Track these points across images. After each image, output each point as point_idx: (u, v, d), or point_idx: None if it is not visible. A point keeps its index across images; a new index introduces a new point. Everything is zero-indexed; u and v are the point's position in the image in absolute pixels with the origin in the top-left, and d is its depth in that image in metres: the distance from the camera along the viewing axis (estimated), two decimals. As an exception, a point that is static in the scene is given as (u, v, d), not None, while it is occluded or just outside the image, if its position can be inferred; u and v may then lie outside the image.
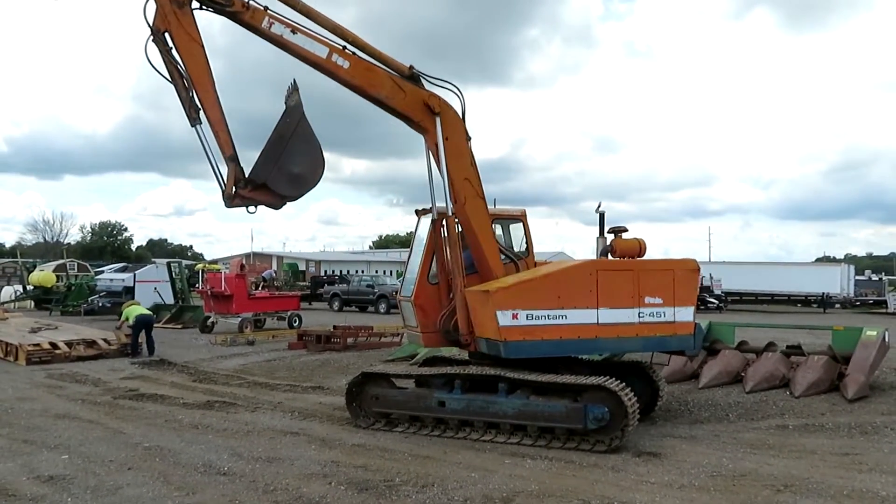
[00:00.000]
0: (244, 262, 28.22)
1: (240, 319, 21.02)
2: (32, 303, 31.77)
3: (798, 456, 7.90)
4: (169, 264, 29.45)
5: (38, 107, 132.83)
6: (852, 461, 7.65)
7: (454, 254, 8.98)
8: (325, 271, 68.92)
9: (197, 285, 31.00)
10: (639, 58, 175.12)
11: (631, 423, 7.88)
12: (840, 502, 6.28)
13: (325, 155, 8.66)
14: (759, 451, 8.09)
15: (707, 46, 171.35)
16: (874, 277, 46.49)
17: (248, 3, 8.28)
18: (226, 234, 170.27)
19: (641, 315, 8.73)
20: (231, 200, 8.33)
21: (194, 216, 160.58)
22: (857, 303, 40.88)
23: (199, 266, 46.78)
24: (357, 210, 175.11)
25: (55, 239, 79.62)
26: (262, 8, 8.33)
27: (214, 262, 64.14)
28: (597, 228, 10.39)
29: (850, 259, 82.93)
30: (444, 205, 9.16)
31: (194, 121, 8.26)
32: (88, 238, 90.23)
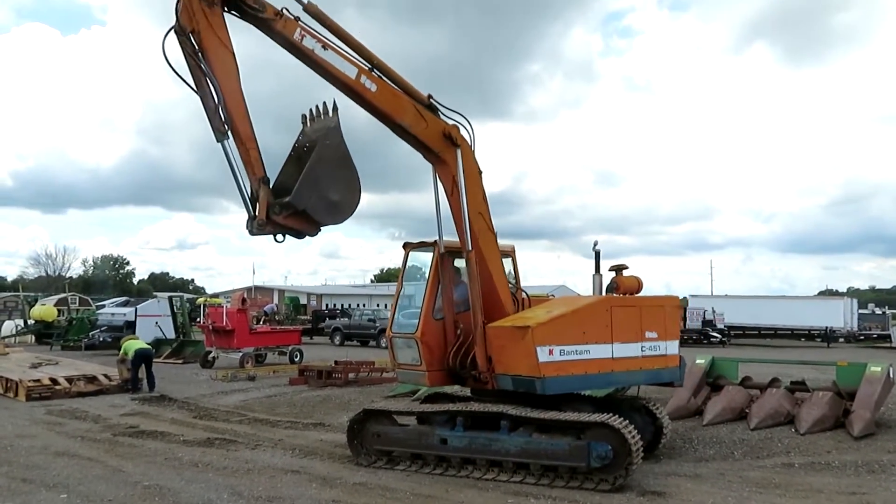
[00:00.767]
0: (245, 295, 28.27)
1: (241, 354, 20.95)
2: (33, 337, 31.71)
3: (805, 495, 7.80)
4: (170, 298, 29.49)
5: (43, 140, 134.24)
6: (860, 501, 7.55)
7: (475, 289, 8.79)
8: (327, 305, 68.92)
9: (198, 319, 30.97)
10: (639, 92, 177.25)
11: (635, 462, 7.80)
12: (848, 543, 6.20)
13: None
14: (766, 490, 7.99)
15: (707, 80, 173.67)
16: (878, 311, 46.41)
17: (281, 11, 7.69)
18: (227, 267, 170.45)
19: (644, 349, 9.12)
20: (262, 227, 7.54)
21: (196, 249, 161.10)
22: (861, 337, 40.71)
23: (201, 300, 46.78)
24: (359, 243, 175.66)
25: (57, 273, 79.84)
26: (293, 18, 7.79)
27: (216, 295, 64.15)
28: (600, 263, 10.49)
29: (852, 292, 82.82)
30: (457, 239, 8.97)
31: (221, 135, 7.40)
32: (90, 272, 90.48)
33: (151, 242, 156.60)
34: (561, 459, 7.99)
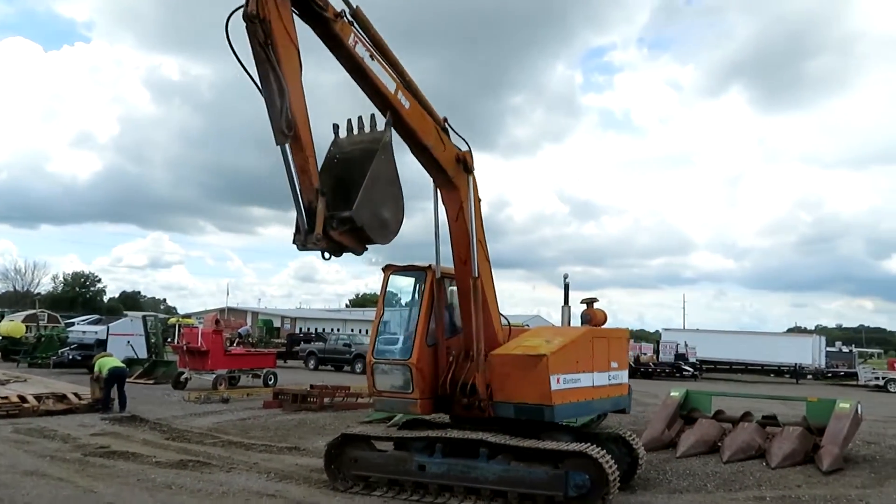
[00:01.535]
0: (219, 317, 27.96)
1: (214, 376, 20.71)
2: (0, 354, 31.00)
3: (776, 528, 7.93)
4: (144, 318, 29.06)
5: (18, 154, 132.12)
6: (829, 534, 7.70)
7: (479, 317, 8.73)
8: (301, 329, 68.26)
9: (170, 339, 30.53)
10: (617, 128, 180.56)
11: (612, 492, 7.88)
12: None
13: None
14: (738, 522, 8.11)
15: (683, 119, 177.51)
16: (845, 349, 47.11)
17: (341, 12, 7.27)
18: (200, 287, 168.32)
19: (610, 378, 9.63)
20: (317, 242, 6.93)
21: (170, 269, 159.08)
22: (829, 374, 41.31)
23: (174, 320, 46.10)
24: (335, 268, 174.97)
25: (26, 288, 78.21)
26: (349, 23, 7.38)
27: (188, 316, 63.25)
28: (569, 295, 10.71)
29: (820, 330, 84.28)
30: (453, 264, 9.00)
31: (284, 137, 6.60)
32: (60, 289, 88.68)
33: (124, 260, 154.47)
34: (539, 488, 8.03)
